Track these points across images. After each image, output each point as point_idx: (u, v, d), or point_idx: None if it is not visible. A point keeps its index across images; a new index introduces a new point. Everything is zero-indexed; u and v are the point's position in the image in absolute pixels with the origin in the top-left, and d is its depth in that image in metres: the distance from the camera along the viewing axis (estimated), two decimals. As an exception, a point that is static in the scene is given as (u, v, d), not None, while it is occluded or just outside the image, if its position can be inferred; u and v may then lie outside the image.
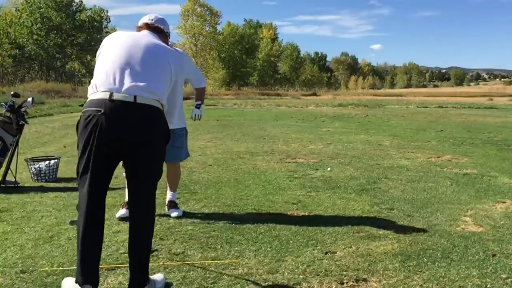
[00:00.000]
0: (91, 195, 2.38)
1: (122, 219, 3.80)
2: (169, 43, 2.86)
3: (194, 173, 5.89)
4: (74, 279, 2.41)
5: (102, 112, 2.26)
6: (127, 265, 2.82)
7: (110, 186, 2.54)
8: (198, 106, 4.23)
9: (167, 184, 4.22)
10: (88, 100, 2.37)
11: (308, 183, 5.35)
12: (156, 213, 4.01)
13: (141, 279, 2.45)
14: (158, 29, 2.70)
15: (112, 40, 2.53)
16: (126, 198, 3.78)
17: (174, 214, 4.01)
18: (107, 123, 2.26)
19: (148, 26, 2.68)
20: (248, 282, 2.69)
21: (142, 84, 2.33)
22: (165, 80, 2.46)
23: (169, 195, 4.18)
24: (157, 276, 2.63)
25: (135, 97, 2.29)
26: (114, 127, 2.27)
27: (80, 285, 2.35)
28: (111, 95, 2.28)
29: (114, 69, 2.36)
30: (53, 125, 12.14)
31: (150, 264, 2.85)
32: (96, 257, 2.44)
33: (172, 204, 4.11)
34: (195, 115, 4.25)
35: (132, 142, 2.33)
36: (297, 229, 3.63)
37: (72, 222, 3.67)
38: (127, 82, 2.32)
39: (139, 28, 2.71)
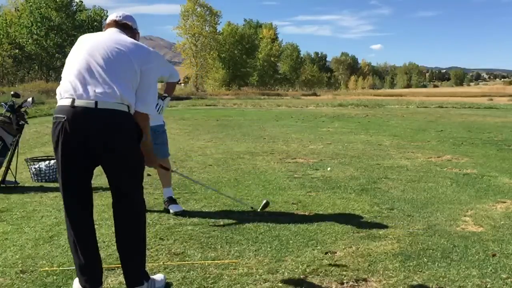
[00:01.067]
0: (66, 200, 2.42)
1: None
2: (138, 39, 2.78)
3: (194, 173, 5.89)
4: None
5: (65, 119, 2.28)
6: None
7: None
8: (162, 98, 4.13)
9: (161, 182, 4.25)
10: (56, 106, 2.39)
11: (308, 183, 5.35)
12: (156, 212, 4.04)
13: (134, 278, 2.47)
14: (126, 25, 2.69)
15: (77, 45, 2.52)
16: None
17: (173, 209, 4.02)
18: (70, 129, 2.28)
19: (116, 23, 2.68)
20: (248, 282, 2.69)
21: (103, 88, 2.31)
22: (127, 80, 2.39)
23: (165, 192, 4.21)
24: (157, 276, 2.64)
25: (96, 102, 2.28)
26: (77, 133, 2.29)
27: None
28: (73, 101, 2.29)
29: (76, 75, 2.36)
30: (53, 125, 12.12)
31: (150, 264, 2.86)
32: (89, 258, 2.45)
33: (171, 200, 4.12)
34: (157, 105, 4.08)
35: (96, 148, 2.32)
36: (297, 229, 3.64)
37: None
38: (88, 88, 2.31)
39: (107, 26, 2.70)
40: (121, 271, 2.76)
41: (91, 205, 2.52)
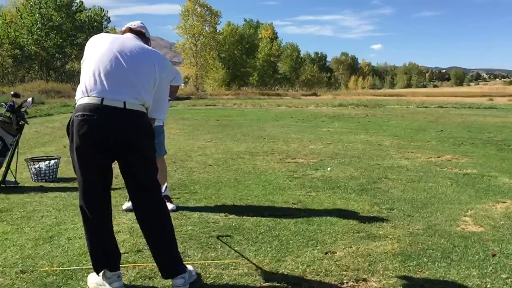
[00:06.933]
0: (85, 197, 2.50)
1: (129, 210, 3.98)
2: (151, 44, 2.96)
3: (194, 173, 5.89)
4: (94, 273, 2.60)
5: (95, 116, 2.38)
6: (127, 265, 2.83)
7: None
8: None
9: None
10: (78, 104, 2.45)
11: (308, 183, 5.35)
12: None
13: (173, 266, 2.55)
14: (140, 32, 2.86)
15: (99, 44, 2.61)
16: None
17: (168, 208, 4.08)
18: (98, 127, 2.39)
19: (131, 30, 2.86)
20: (248, 282, 2.69)
21: (130, 90, 2.46)
22: (150, 85, 2.57)
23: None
24: (190, 267, 2.72)
25: (124, 103, 2.42)
26: (104, 130, 2.40)
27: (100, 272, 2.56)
28: (102, 100, 2.40)
29: (103, 74, 2.45)
30: (53, 125, 12.14)
31: (150, 265, 2.85)
32: (105, 246, 2.57)
33: (166, 199, 4.17)
34: None
35: (121, 143, 2.45)
36: (297, 229, 3.63)
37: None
38: (117, 88, 2.44)
39: (123, 32, 2.88)
40: (121, 271, 2.76)
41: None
